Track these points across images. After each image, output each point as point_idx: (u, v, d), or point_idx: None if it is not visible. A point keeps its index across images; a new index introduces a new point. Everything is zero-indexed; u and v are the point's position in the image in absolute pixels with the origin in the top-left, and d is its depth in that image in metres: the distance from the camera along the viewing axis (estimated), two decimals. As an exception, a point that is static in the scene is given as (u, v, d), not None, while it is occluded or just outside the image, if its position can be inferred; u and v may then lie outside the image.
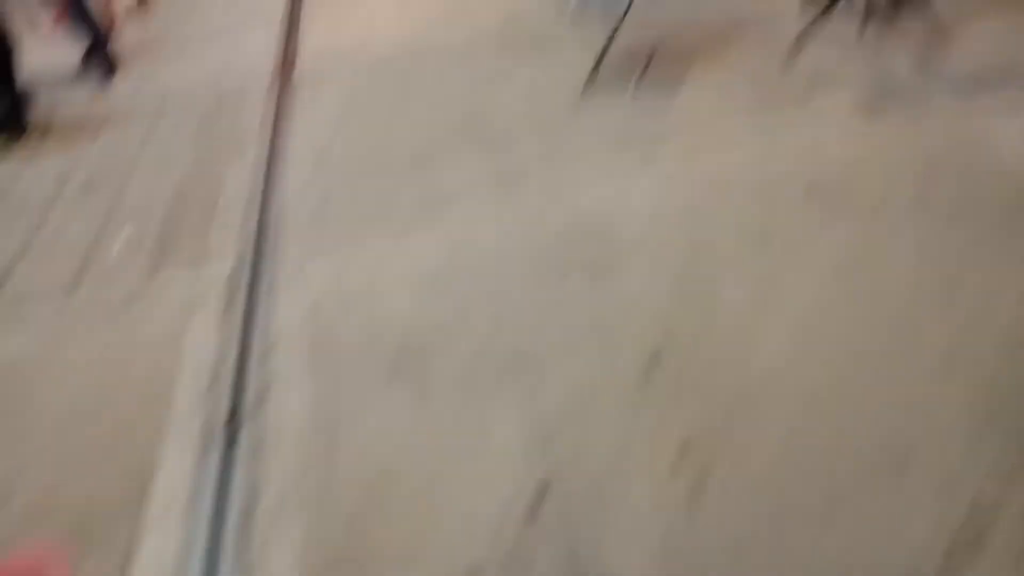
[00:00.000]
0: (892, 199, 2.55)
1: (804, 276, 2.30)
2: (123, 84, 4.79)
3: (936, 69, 3.22)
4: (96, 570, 1.80)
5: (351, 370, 2.27)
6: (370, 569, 1.72)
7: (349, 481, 1.92)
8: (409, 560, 1.72)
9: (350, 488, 1.90)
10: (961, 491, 1.66)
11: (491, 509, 1.78)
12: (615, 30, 3.58)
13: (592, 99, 3.51)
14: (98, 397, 2.31)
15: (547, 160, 3.12)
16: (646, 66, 3.62)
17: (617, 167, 2.99)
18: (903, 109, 3.00)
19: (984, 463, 1.71)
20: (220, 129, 3.96)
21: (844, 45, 3.50)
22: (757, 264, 2.38)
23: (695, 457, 1.82)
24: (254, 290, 2.69)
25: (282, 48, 4.89)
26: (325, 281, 2.68)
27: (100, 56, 4.79)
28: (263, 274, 2.77)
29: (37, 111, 4.16)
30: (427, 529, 1.77)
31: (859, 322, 2.12)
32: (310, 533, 1.81)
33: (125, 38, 5.45)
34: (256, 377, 2.31)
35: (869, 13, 3.51)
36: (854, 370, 1.98)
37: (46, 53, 4.72)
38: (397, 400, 2.13)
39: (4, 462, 2.12)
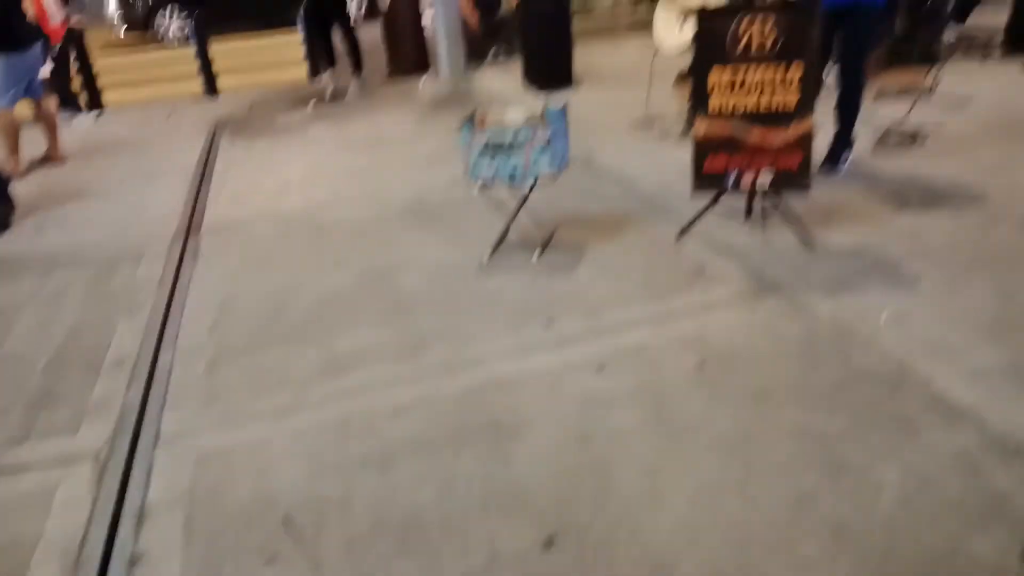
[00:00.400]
0: (776, 380, 2.67)
1: (696, 456, 2.34)
2: (18, 233, 4.66)
3: (814, 255, 3.49)
4: None
5: (230, 547, 2.12)
6: None
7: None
8: None
9: None
10: None
11: None
12: (518, 208, 3.76)
13: (494, 272, 3.62)
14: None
15: (446, 331, 3.15)
16: (546, 243, 3.79)
17: (515, 341, 3.04)
18: (784, 294, 3.20)
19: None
20: (115, 284, 3.86)
21: (730, 231, 3.77)
22: (650, 444, 2.41)
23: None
24: (131, 458, 2.53)
25: (188, 206, 4.90)
26: (209, 450, 2.55)
27: (-4, 205, 4.68)
28: (143, 441, 2.62)
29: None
30: None
31: (751, 501, 2.14)
32: None
33: (28, 187, 5.38)
34: (123, 554, 2.13)
35: (753, 203, 3.82)
36: (750, 550, 1.98)
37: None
38: (278, 582, 2.00)
39: None
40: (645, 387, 2.68)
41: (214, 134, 6.71)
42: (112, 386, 2.96)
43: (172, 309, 3.54)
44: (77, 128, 7.22)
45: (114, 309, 3.58)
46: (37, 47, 5.76)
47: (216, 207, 4.89)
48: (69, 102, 7.46)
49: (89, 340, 3.33)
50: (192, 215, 4.74)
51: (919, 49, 5.96)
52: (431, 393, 2.75)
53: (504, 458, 2.39)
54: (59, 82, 7.30)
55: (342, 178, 5.25)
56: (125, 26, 12.68)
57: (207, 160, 5.94)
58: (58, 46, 6.83)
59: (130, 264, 4.06)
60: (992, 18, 6.99)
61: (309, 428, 2.62)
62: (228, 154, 6.11)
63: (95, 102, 7.84)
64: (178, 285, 3.79)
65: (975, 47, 6.82)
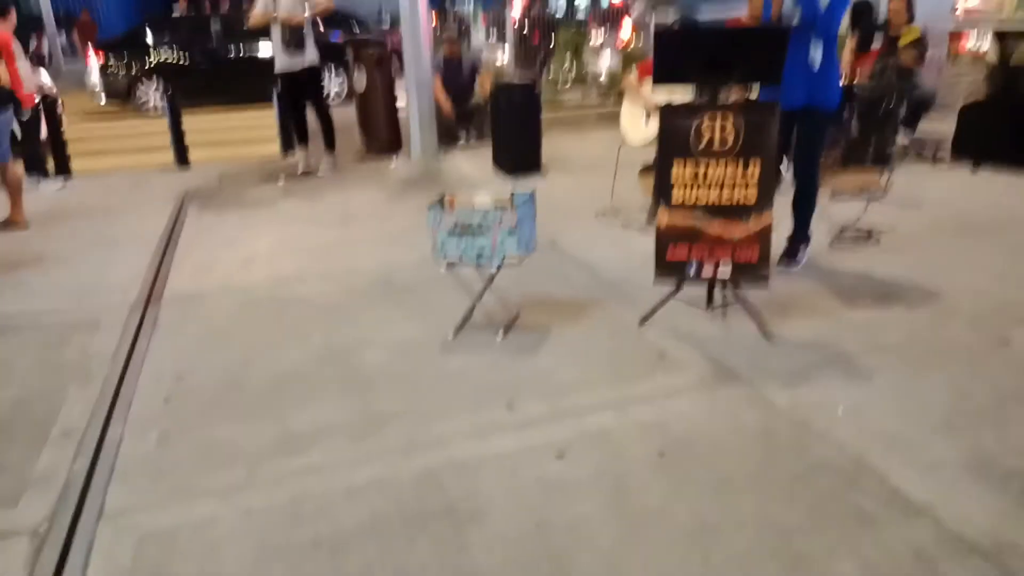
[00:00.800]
0: (735, 470, 2.67)
1: (656, 546, 2.31)
2: (-31, 299, 4.56)
3: (773, 346, 3.54)
4: None
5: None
6: None
7: None
8: None
9: None
10: None
11: None
12: (484, 289, 3.79)
13: (457, 351, 3.61)
14: None
15: (406, 410, 3.12)
16: (510, 324, 3.81)
17: (476, 423, 3.02)
18: (743, 383, 3.23)
19: None
20: (68, 353, 3.77)
21: (691, 319, 3.82)
22: (610, 533, 2.38)
23: None
24: (71, 534, 2.43)
25: (150, 276, 4.85)
26: (154, 528, 2.46)
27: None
28: (85, 517, 2.52)
29: None
30: None
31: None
32: None
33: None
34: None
35: (713, 292, 3.89)
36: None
37: None
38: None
39: None
40: (605, 474, 2.66)
41: (182, 205, 6.69)
42: (57, 458, 2.86)
43: (126, 380, 3.46)
44: (43, 193, 7.16)
45: (65, 378, 3.49)
46: (7, 112, 5.77)
47: (178, 278, 4.84)
48: (36, 167, 7.42)
49: (37, 410, 3.22)
50: (153, 285, 4.68)
51: (873, 151, 6.22)
52: (388, 475, 2.70)
53: (460, 545, 2.33)
54: (28, 147, 7.28)
55: (309, 253, 5.25)
56: (106, 95, 12.75)
57: (172, 231, 5.91)
58: (29, 111, 6.83)
59: (85, 333, 3.98)
60: (940, 125, 7.35)
61: (259, 508, 2.54)
62: (195, 225, 6.09)
63: (62, 168, 7.80)
64: (133, 356, 3.71)
65: (926, 151, 7.14)
